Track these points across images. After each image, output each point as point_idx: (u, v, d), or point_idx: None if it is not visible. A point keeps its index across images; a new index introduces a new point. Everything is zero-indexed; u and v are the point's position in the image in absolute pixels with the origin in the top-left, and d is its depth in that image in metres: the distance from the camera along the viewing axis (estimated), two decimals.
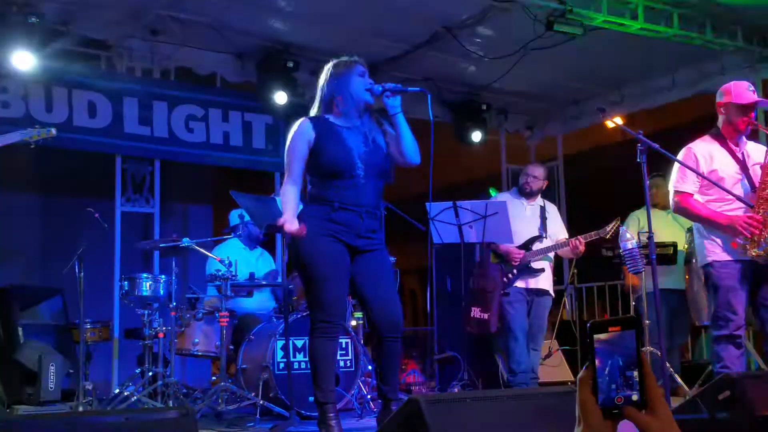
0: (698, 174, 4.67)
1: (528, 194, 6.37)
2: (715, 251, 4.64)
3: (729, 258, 4.58)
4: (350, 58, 4.30)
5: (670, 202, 4.85)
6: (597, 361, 1.33)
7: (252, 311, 6.46)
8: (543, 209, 6.39)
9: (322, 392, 4.03)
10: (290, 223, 3.97)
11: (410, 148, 4.11)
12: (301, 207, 4.13)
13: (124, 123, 7.55)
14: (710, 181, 4.65)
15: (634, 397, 1.31)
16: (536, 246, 6.22)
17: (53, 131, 4.98)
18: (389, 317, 4.07)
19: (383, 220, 4.20)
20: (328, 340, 4.03)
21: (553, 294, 6.41)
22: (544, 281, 6.25)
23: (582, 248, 6.12)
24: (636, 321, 1.33)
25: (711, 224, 4.68)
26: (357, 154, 4.06)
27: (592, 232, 6.19)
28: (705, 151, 4.74)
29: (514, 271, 6.12)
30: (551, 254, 6.28)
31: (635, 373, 1.31)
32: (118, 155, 7.64)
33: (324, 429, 4.00)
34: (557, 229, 6.41)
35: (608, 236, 6.21)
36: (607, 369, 1.32)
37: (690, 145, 4.83)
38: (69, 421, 2.13)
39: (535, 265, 6.18)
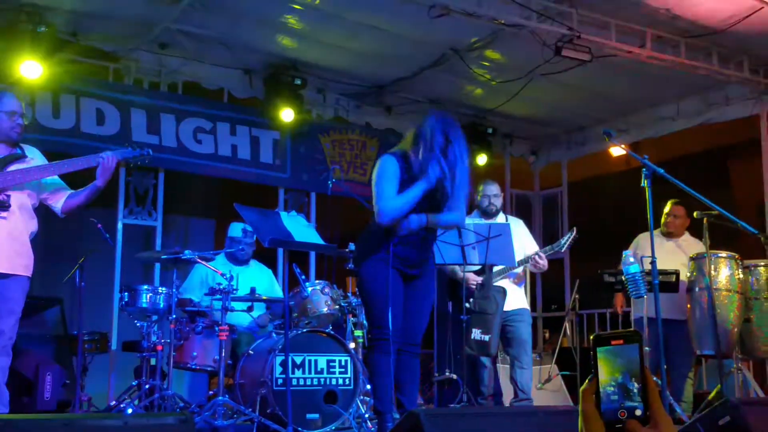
0: None
1: (493, 214, 6.30)
2: None
3: None
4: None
5: None
6: (600, 374, 1.32)
7: (244, 328, 6.41)
8: None
9: (380, 402, 4.43)
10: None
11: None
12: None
13: (132, 131, 7.53)
14: None
15: (637, 411, 1.31)
16: (496, 267, 6.09)
17: (150, 152, 5.15)
18: (407, 328, 4.48)
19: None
20: (385, 355, 4.37)
21: (528, 308, 6.32)
22: (512, 301, 6.11)
23: (542, 262, 6.05)
24: (638, 335, 1.33)
25: None
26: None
27: (547, 247, 6.18)
28: None
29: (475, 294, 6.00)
30: (518, 270, 6.21)
31: (638, 387, 1.31)
32: (123, 166, 7.63)
33: None
34: (524, 244, 6.26)
35: (563, 249, 6.15)
36: (611, 382, 1.32)
37: None
38: (68, 423, 2.12)
39: (498, 285, 6.06)
